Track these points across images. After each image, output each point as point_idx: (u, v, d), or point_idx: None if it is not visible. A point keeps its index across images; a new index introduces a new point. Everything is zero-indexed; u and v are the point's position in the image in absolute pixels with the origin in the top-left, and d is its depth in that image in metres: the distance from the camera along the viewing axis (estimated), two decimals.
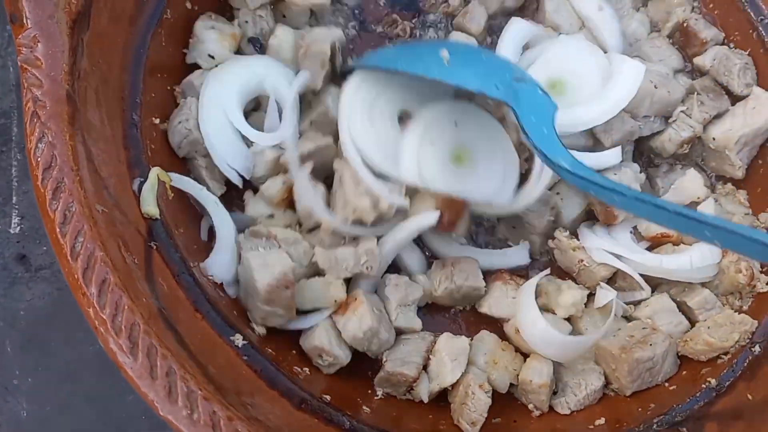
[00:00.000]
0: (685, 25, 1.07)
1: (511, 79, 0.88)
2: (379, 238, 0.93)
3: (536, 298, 0.93)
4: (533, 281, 0.94)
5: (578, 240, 0.98)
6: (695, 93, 1.03)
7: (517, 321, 0.93)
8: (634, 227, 1.00)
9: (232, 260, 0.91)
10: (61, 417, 0.97)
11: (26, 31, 0.81)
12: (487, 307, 0.97)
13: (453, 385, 0.91)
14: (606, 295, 0.94)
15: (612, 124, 0.98)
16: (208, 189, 0.94)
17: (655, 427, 0.87)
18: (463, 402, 0.89)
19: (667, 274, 0.95)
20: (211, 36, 1.00)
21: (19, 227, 1.06)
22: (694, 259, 0.94)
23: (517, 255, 1.01)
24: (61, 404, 0.98)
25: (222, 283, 0.91)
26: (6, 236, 1.06)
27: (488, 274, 0.99)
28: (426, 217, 0.93)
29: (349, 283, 0.94)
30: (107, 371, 1.00)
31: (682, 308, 0.96)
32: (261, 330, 0.90)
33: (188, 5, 1.00)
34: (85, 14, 0.86)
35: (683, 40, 1.08)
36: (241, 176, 0.95)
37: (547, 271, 0.97)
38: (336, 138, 0.94)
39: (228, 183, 0.96)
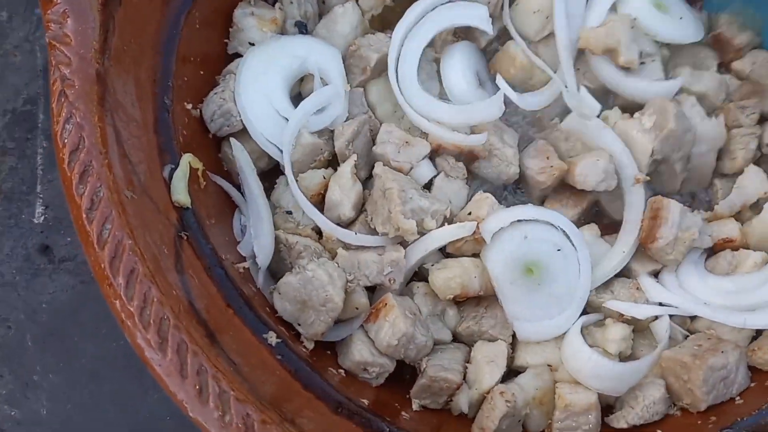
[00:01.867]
0: (718, 33, 1.00)
1: None
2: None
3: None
4: (578, 322, 0.87)
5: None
6: (730, 102, 0.97)
7: (563, 358, 0.86)
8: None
9: (271, 247, 0.86)
10: (82, 416, 0.93)
11: (55, 6, 0.77)
12: (523, 360, 0.88)
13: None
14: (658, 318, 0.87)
15: None
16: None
17: None
18: (482, 407, 0.83)
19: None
20: (250, 23, 0.96)
21: (43, 217, 1.02)
22: None
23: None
24: (83, 403, 0.94)
25: (252, 275, 0.86)
26: (30, 226, 1.02)
27: None
28: (458, 228, 0.86)
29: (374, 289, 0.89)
30: (132, 368, 0.95)
31: None
32: (311, 345, 0.85)
33: None
34: None
35: (717, 48, 1.01)
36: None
37: (599, 316, 0.89)
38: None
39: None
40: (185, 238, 0.80)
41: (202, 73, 0.93)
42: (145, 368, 0.92)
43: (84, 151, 0.73)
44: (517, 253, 0.85)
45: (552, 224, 0.87)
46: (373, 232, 0.86)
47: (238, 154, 0.89)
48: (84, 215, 0.71)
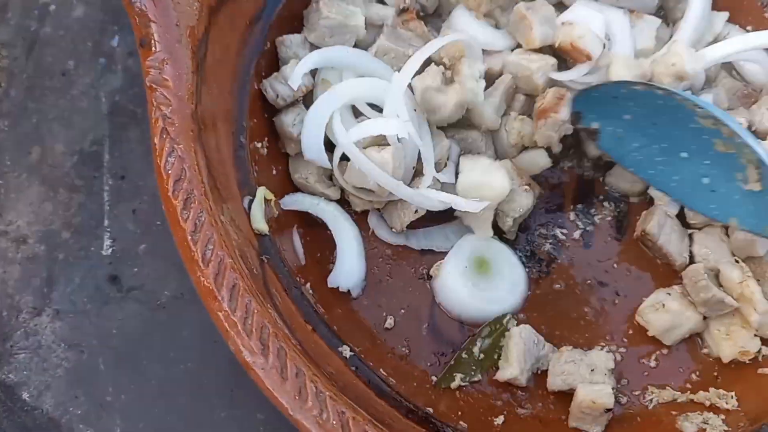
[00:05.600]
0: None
1: None
2: None
3: None
4: None
5: None
6: None
7: None
8: None
9: (360, 264, 0.97)
10: None
11: (155, 54, 0.86)
12: None
13: None
14: None
15: None
16: (325, 198, 1.00)
17: None
18: None
19: None
20: None
21: (111, 249, 1.09)
22: None
23: None
24: (155, 421, 0.99)
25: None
26: (99, 258, 1.08)
27: None
28: None
29: None
30: (200, 390, 1.01)
31: None
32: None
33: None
34: (204, 42, 0.91)
35: None
36: None
37: None
38: None
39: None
40: (266, 261, 0.89)
41: (265, 116, 1.03)
42: (212, 388, 1.00)
43: (186, 181, 0.81)
44: None
45: None
46: None
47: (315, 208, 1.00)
48: (189, 237, 0.79)
